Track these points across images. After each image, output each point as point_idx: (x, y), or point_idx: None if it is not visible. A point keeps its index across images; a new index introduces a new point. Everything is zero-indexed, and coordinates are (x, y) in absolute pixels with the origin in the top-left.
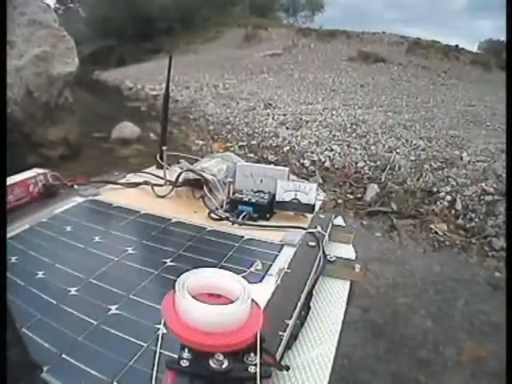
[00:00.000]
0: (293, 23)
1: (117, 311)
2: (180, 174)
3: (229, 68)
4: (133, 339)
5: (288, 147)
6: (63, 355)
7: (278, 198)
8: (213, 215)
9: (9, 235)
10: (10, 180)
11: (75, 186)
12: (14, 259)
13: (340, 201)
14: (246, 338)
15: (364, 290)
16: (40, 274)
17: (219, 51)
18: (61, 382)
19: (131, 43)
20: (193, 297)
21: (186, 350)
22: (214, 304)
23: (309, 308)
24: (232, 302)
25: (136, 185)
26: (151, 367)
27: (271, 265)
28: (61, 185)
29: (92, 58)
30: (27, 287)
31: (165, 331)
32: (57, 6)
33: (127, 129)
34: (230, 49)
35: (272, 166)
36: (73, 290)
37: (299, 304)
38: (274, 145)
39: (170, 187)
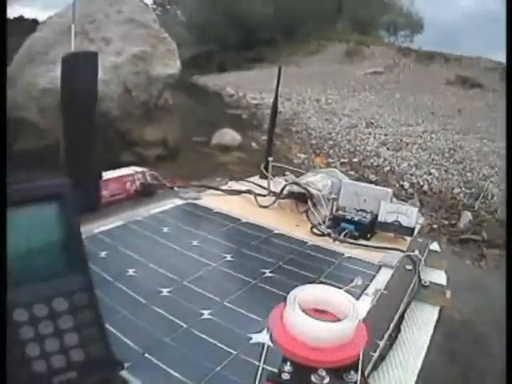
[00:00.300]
0: (393, 42)
1: (209, 316)
2: (285, 186)
3: (331, 83)
4: (222, 346)
5: (388, 168)
6: (146, 354)
7: (380, 219)
8: (315, 230)
9: (100, 229)
10: (106, 175)
11: (175, 188)
12: (103, 254)
13: (435, 226)
14: (350, 355)
15: (447, 315)
16: (130, 272)
17: (321, 65)
18: (140, 381)
19: (232, 50)
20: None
21: (288, 364)
22: (323, 320)
23: (399, 330)
24: (338, 318)
25: (238, 192)
26: (238, 375)
27: (368, 284)
28: (159, 185)
29: (192, 62)
30: (115, 283)
31: (270, 344)
32: (153, 6)
33: (228, 135)
34: (332, 63)
35: (376, 186)
36: (165, 291)
37: (391, 326)
38: (374, 164)
39: (274, 198)
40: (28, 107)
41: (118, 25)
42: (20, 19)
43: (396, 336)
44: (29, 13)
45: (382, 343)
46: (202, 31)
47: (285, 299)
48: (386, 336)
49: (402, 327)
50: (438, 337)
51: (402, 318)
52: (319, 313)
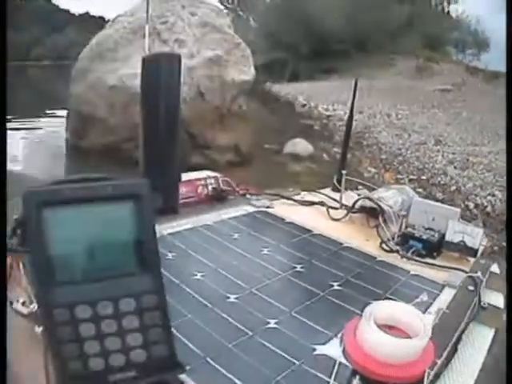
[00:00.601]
0: (461, 59)
1: (275, 325)
2: (358, 200)
3: (401, 98)
4: (286, 355)
5: (455, 187)
6: (207, 359)
7: (447, 238)
8: (384, 246)
9: (169, 231)
10: None
11: (247, 195)
12: (170, 255)
13: (496, 248)
14: (417, 373)
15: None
16: (198, 276)
17: (392, 80)
18: None
19: (304, 60)
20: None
21: (357, 377)
22: (396, 336)
23: (456, 350)
24: (407, 334)
25: (310, 204)
26: None
27: (432, 303)
28: (232, 191)
29: (264, 69)
30: (181, 286)
31: (341, 359)
32: (226, 12)
33: (300, 145)
34: (402, 79)
35: (444, 205)
36: (232, 297)
37: (450, 345)
38: (442, 183)
39: (345, 211)
40: (96, 104)
41: (192, 27)
42: (85, 16)
43: (452, 355)
44: (90, 8)
45: (439, 361)
46: (275, 39)
47: (355, 314)
48: (444, 355)
49: (458, 347)
50: (489, 357)
51: (460, 338)
52: (388, 328)
